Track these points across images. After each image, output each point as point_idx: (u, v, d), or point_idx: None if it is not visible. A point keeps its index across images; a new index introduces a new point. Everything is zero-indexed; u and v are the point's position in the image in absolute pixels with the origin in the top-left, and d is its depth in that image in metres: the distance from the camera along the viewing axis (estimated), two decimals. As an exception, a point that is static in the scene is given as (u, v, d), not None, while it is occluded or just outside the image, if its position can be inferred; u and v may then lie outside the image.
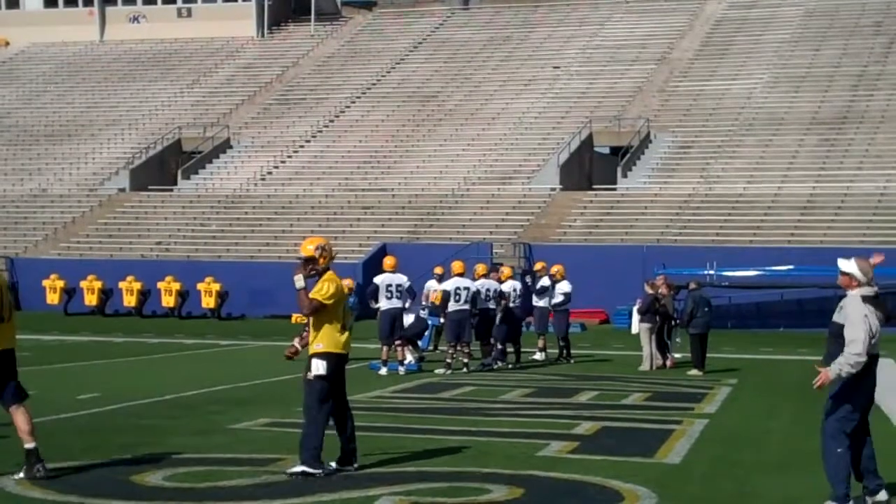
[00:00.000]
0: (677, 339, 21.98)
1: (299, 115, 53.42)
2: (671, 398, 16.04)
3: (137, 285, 37.69)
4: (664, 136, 46.56)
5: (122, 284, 37.80)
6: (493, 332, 20.65)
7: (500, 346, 20.77)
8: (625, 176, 43.86)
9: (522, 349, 21.54)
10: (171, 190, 48.07)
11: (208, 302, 36.85)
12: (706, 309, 20.46)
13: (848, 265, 8.41)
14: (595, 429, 12.54)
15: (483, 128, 49.20)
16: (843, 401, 8.30)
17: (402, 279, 19.51)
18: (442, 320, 20.61)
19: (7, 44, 66.45)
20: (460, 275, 20.01)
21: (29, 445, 9.23)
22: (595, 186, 44.57)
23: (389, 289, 19.32)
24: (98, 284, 38.01)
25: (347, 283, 20.22)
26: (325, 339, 9.59)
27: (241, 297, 36.96)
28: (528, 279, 23.11)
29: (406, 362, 19.57)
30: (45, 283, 38.67)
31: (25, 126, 56.06)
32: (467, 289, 19.79)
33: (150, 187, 47.79)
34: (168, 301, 37.33)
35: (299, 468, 9.45)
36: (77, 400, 14.75)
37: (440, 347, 22.79)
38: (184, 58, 62.18)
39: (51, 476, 9.24)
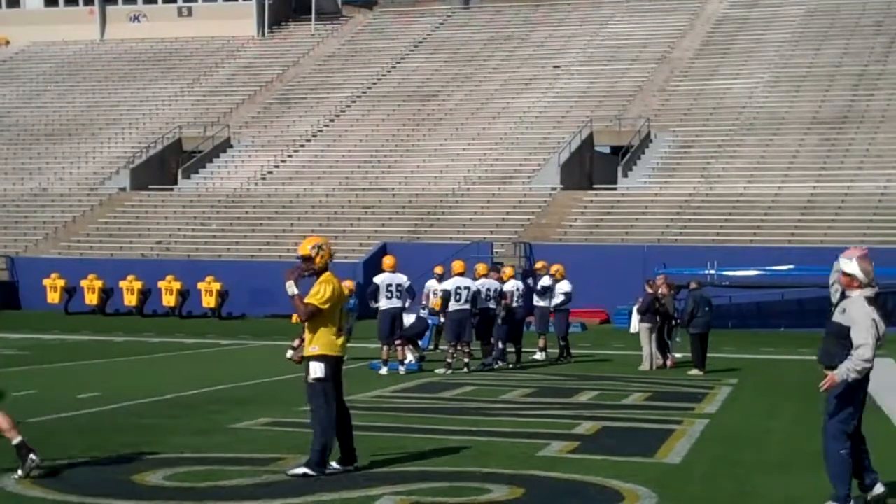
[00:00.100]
0: (677, 339, 21.98)
1: (300, 114, 53.43)
2: (671, 398, 16.03)
3: (138, 284, 37.70)
4: (665, 135, 46.55)
5: (122, 284, 37.81)
6: (494, 331, 20.64)
7: (500, 346, 20.76)
8: (625, 175, 43.86)
9: (523, 349, 21.54)
10: (172, 189, 48.07)
11: (209, 301, 36.86)
12: (707, 309, 20.46)
13: (850, 266, 8.38)
14: (595, 429, 12.53)
15: (483, 127, 49.20)
16: (845, 402, 8.29)
17: (402, 279, 19.50)
18: (442, 320, 20.61)
19: (7, 43, 66.47)
20: (461, 274, 20.00)
21: (16, 441, 9.22)
22: (595, 186, 44.57)
23: (389, 289, 19.31)
24: (98, 284, 38.02)
25: (348, 284, 20.24)
26: (321, 341, 9.56)
27: (242, 297, 36.96)
28: (531, 280, 23.10)
29: (407, 362, 19.57)
30: (46, 282, 38.68)
31: (26, 125, 56.08)
32: (468, 288, 19.78)
33: (150, 186, 47.80)
34: (168, 300, 37.34)
35: (301, 470, 9.44)
36: (77, 399, 14.75)
37: (441, 347, 22.79)
38: (184, 57, 62.20)
39: (45, 466, 9.24)
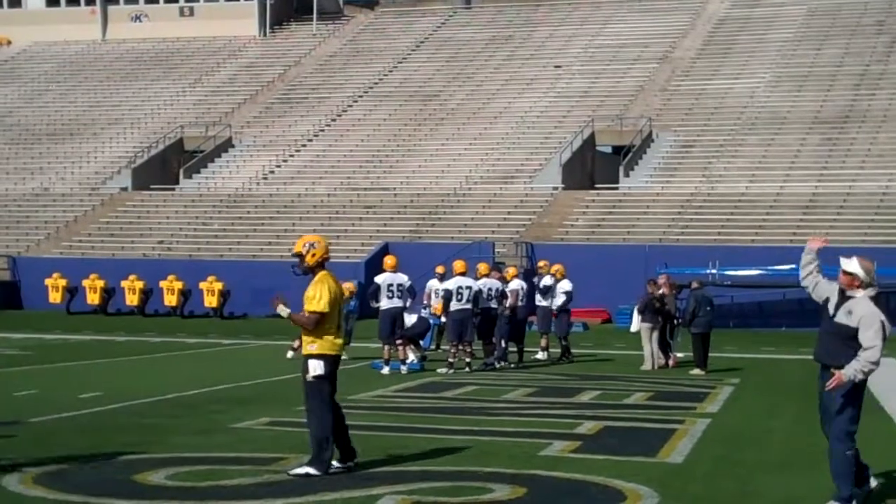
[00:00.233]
0: (678, 339, 21.97)
1: (301, 114, 53.44)
2: (673, 398, 16.03)
3: (139, 284, 37.72)
4: (666, 135, 46.54)
5: (124, 283, 37.82)
6: (496, 331, 20.64)
7: (502, 345, 20.76)
8: (627, 175, 43.84)
9: (525, 348, 21.54)
10: (173, 189, 48.09)
11: (210, 301, 36.86)
12: (708, 308, 20.45)
13: (851, 265, 8.36)
14: (597, 428, 12.53)
15: (485, 127, 49.19)
16: (852, 401, 8.28)
17: (402, 279, 19.51)
18: (444, 319, 20.60)
19: (9, 42, 66.49)
20: (462, 274, 20.00)
21: None
22: (597, 186, 44.55)
23: (391, 288, 19.31)
24: (100, 283, 38.03)
25: (348, 286, 20.25)
26: (320, 340, 9.55)
27: (243, 297, 36.95)
28: (536, 279, 23.12)
29: (408, 361, 19.57)
30: (48, 281, 38.69)
31: (27, 125, 56.11)
32: (469, 288, 19.78)
33: (152, 186, 47.81)
34: (170, 300, 37.35)
35: (302, 469, 9.44)
36: (79, 399, 14.75)
37: (442, 347, 22.79)
38: (186, 57, 62.22)
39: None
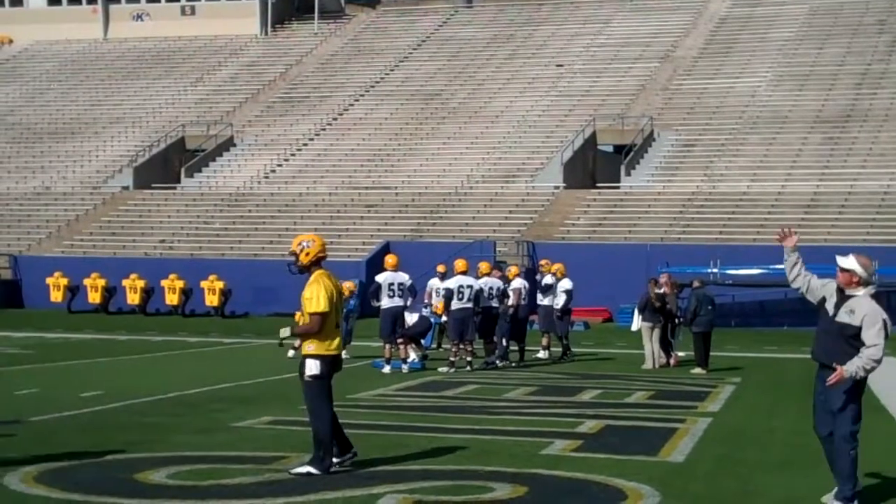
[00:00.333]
0: (679, 338, 21.97)
1: (303, 113, 53.45)
2: (675, 397, 16.02)
3: (141, 283, 37.73)
4: (668, 134, 46.53)
5: (125, 282, 37.84)
6: (497, 329, 20.64)
7: (503, 344, 20.76)
8: (628, 174, 43.83)
9: (526, 347, 21.55)
10: (175, 188, 48.10)
11: (212, 300, 36.87)
12: (709, 307, 20.45)
13: (848, 262, 8.34)
14: (598, 427, 12.53)
15: (486, 126, 49.19)
16: (853, 399, 8.27)
17: (403, 277, 19.52)
18: (444, 319, 20.61)
19: (11, 41, 66.51)
20: (463, 273, 20.01)
21: None
22: (598, 185, 44.55)
23: (391, 287, 19.32)
24: (101, 282, 38.05)
25: (349, 285, 20.25)
26: (317, 339, 9.53)
27: (245, 295, 36.98)
28: (538, 277, 23.14)
29: (409, 360, 19.57)
30: (49, 280, 38.70)
31: (29, 124, 56.13)
32: (470, 287, 19.78)
33: (153, 185, 47.82)
34: (171, 299, 37.35)
35: (304, 468, 9.43)
36: (80, 398, 14.75)
37: (443, 345, 22.79)
38: (187, 56, 62.22)
39: None
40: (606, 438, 11.78)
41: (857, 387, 8.27)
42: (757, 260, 34.42)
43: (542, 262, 23.61)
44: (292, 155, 49.44)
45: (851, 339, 8.17)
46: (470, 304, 19.66)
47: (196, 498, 8.59)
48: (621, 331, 31.02)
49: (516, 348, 21.25)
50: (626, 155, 44.59)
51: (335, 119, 52.40)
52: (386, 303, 19.28)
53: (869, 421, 8.68)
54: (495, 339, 20.68)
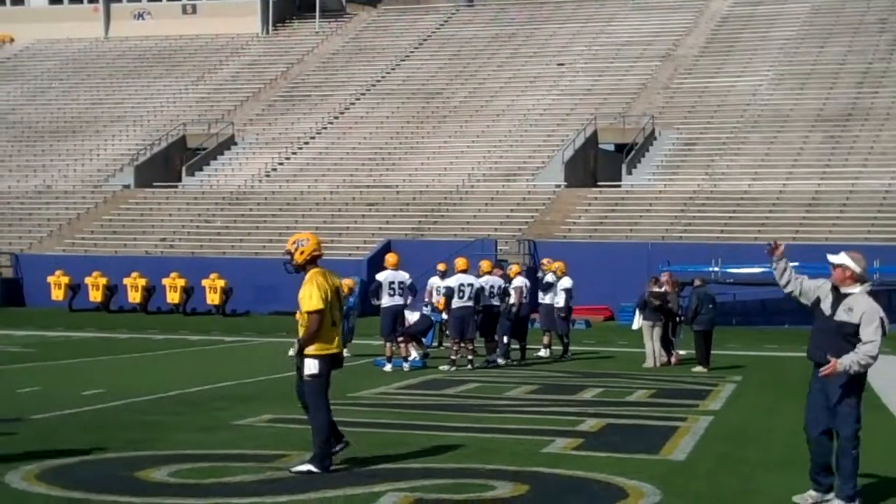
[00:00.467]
0: (680, 336, 21.97)
1: (304, 111, 53.45)
2: (676, 395, 16.02)
3: (142, 282, 37.75)
4: (669, 132, 46.53)
5: (126, 281, 37.87)
6: (498, 328, 20.65)
7: (504, 343, 20.76)
8: (629, 173, 43.83)
9: (527, 346, 21.56)
10: (176, 186, 48.11)
11: (213, 298, 36.88)
12: (710, 306, 20.45)
13: (838, 257, 8.35)
14: (600, 425, 12.53)
15: (488, 125, 49.18)
16: (851, 393, 8.26)
17: (403, 276, 19.53)
18: (445, 317, 20.62)
19: (12, 40, 66.53)
20: (464, 271, 20.01)
21: None
22: (600, 183, 44.54)
23: (392, 286, 19.33)
24: (103, 281, 38.06)
25: (348, 282, 20.24)
26: (315, 338, 9.52)
27: (246, 294, 37.00)
28: (540, 275, 23.14)
29: (410, 359, 19.58)
30: (50, 279, 38.72)
31: (30, 122, 56.15)
32: (471, 285, 19.79)
33: (154, 184, 47.83)
34: (173, 297, 37.36)
35: (304, 467, 9.44)
36: (81, 396, 14.76)
37: (444, 344, 22.80)
38: (188, 54, 62.22)
39: None
40: (607, 437, 11.78)
41: (858, 385, 8.26)
42: (758, 259, 34.21)
43: (545, 260, 23.62)
44: (293, 153, 49.44)
45: (850, 337, 8.17)
46: (471, 303, 19.66)
47: (197, 496, 8.60)
48: (622, 329, 31.01)
49: (517, 346, 21.26)
50: (628, 154, 44.59)
51: (336, 118, 52.40)
52: (386, 301, 19.29)
53: (869, 420, 8.68)
54: (496, 337, 20.68)
